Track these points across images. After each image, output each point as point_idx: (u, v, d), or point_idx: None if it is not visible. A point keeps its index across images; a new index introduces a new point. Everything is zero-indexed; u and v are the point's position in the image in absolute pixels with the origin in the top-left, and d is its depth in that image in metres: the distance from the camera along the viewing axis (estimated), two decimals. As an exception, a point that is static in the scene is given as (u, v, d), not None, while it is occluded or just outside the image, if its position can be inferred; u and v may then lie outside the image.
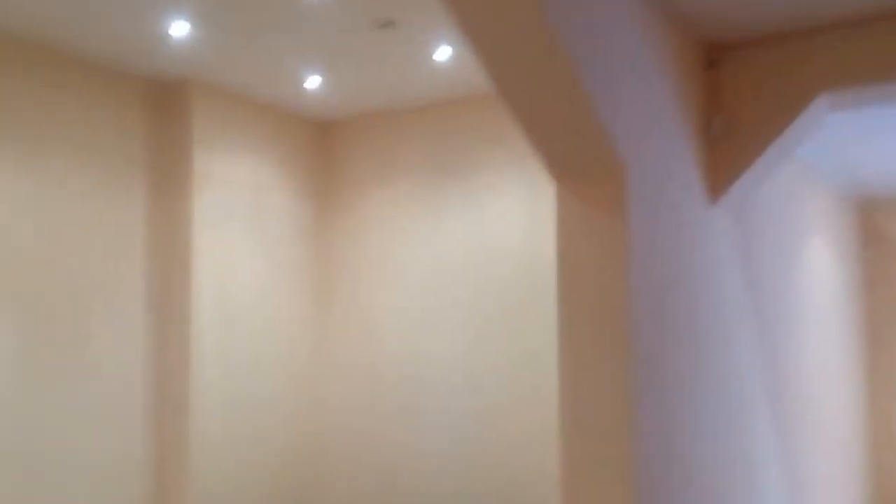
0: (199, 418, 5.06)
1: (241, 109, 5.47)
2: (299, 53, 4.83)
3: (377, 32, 4.44)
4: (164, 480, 5.07)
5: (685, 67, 3.99)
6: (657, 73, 3.68)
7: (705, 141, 4.12)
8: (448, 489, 5.45)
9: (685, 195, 3.91)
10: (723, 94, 4.18)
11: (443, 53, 4.74)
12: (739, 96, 4.15)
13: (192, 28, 4.41)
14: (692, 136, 4.00)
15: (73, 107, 4.78)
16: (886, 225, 8.17)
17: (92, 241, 4.85)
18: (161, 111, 5.22)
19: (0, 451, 4.33)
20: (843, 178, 7.07)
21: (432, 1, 3.47)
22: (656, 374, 3.49)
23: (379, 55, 4.82)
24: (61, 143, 4.71)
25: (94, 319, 4.83)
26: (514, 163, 5.26)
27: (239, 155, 5.45)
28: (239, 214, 5.42)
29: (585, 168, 3.33)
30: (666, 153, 3.73)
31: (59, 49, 4.66)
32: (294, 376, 5.76)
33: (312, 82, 5.24)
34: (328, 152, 6.08)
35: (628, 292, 3.27)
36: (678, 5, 3.69)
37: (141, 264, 5.11)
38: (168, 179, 5.19)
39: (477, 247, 5.46)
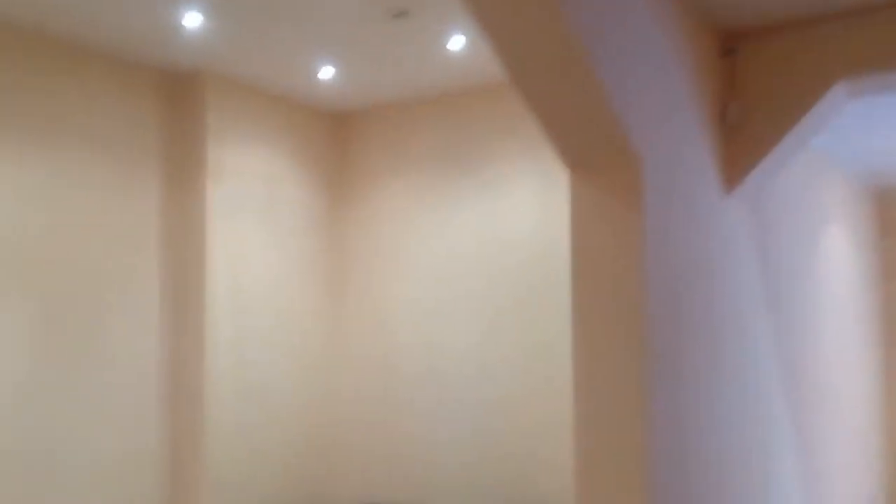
0: (213, 409, 5.08)
1: (254, 100, 5.47)
2: (313, 44, 4.82)
3: (391, 22, 4.43)
4: (178, 470, 5.09)
5: (700, 55, 3.95)
6: (672, 61, 3.64)
7: (721, 130, 4.08)
8: (461, 480, 5.44)
9: (700, 184, 3.88)
10: (738, 82, 4.13)
11: (456, 43, 4.72)
12: (755, 84, 4.11)
13: (205, 19, 4.40)
14: (707, 125, 3.96)
15: (86, 98, 4.79)
16: (904, 214, 8.12)
17: (105, 232, 4.86)
18: (174, 102, 5.23)
19: (15, 441, 4.36)
20: (861, 166, 7.01)
21: (445, -10, 3.46)
22: (671, 365, 3.47)
23: (392, 45, 4.80)
24: (75, 135, 4.72)
25: (108, 310, 4.85)
26: (528, 153, 5.23)
27: (252, 146, 5.45)
28: (252, 206, 5.42)
29: (600, 158, 3.30)
30: (681, 142, 3.70)
31: (73, 40, 4.67)
32: (307, 367, 5.77)
33: (326, 73, 5.23)
34: (341, 143, 6.07)
35: (643, 283, 3.25)
36: (693, -7, 3.67)
37: (155, 255, 5.13)
38: (181, 171, 5.20)
39: (490, 238, 5.44)
